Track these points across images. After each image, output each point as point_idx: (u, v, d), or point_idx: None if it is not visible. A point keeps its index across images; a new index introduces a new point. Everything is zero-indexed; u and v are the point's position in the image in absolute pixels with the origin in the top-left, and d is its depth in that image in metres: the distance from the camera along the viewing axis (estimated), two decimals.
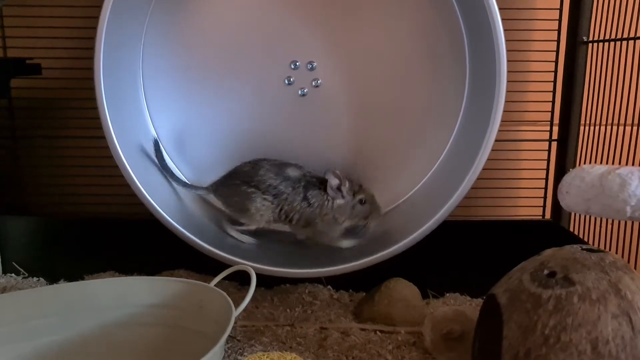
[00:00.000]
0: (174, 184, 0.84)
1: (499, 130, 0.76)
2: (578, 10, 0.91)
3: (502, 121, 0.76)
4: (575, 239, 0.90)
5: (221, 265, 0.74)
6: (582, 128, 0.92)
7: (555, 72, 0.94)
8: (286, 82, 0.87)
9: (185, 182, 0.86)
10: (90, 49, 0.74)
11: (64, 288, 0.68)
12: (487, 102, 0.76)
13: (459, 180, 0.77)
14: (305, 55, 0.86)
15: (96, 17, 0.73)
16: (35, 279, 0.87)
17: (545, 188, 0.98)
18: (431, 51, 0.86)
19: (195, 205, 0.87)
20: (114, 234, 0.91)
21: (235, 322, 0.61)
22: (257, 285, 0.63)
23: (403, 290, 0.76)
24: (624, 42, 0.82)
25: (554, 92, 0.95)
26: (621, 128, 0.82)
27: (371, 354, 0.67)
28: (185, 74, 0.87)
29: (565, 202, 0.59)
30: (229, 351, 0.67)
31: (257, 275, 0.64)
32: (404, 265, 0.78)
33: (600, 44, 0.87)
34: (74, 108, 0.93)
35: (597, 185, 0.55)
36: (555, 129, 0.96)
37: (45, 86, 0.94)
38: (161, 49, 0.85)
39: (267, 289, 0.84)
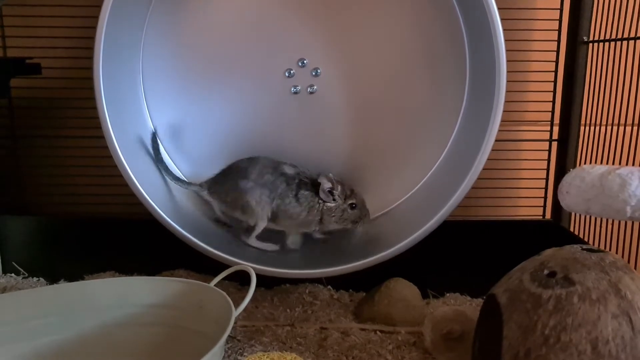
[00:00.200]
0: (167, 177, 0.83)
1: (499, 130, 0.76)
2: (578, 10, 0.91)
3: (502, 121, 0.76)
4: (576, 239, 0.90)
5: (221, 265, 0.74)
6: (582, 128, 0.92)
7: (556, 72, 0.94)
8: (285, 81, 0.87)
9: (177, 177, 0.84)
10: (90, 49, 0.74)
11: (64, 288, 0.68)
12: (487, 102, 0.76)
13: (459, 180, 0.77)
14: (305, 55, 0.86)
15: (96, 17, 0.72)
16: (35, 279, 0.87)
17: (546, 188, 0.97)
18: (431, 51, 0.86)
19: (195, 205, 0.87)
20: (113, 234, 0.91)
21: (235, 322, 0.61)
22: (257, 285, 0.63)
23: (403, 290, 0.76)
24: (624, 42, 0.82)
25: (554, 92, 0.95)
26: (621, 128, 0.82)
27: (371, 354, 0.67)
28: (185, 74, 0.86)
29: (565, 202, 0.59)
30: (229, 351, 0.67)
31: (257, 275, 0.64)
32: (404, 265, 0.78)
33: (601, 44, 0.87)
34: (73, 108, 0.93)
35: (597, 185, 0.56)
36: (556, 129, 0.96)
37: (45, 86, 0.94)
38: (161, 49, 0.85)
39: (267, 289, 0.84)
